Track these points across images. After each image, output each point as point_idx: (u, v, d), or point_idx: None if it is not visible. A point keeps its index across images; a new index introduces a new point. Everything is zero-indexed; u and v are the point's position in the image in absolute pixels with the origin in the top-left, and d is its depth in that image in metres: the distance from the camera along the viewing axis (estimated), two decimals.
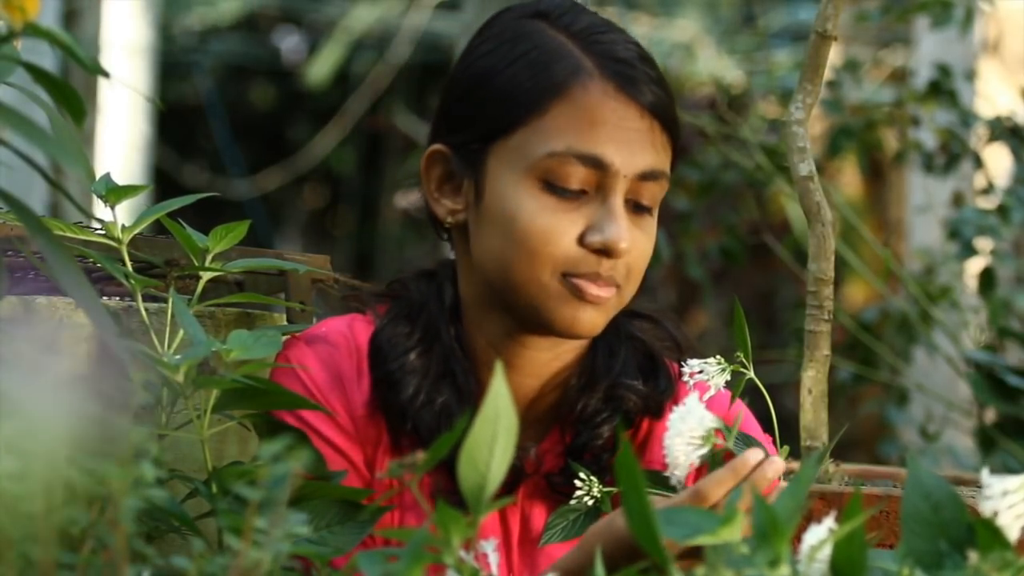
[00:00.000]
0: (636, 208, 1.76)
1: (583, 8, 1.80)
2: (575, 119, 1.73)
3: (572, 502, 1.74)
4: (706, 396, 1.70)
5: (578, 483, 1.74)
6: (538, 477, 1.81)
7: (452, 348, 1.80)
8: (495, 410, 1.31)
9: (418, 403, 1.78)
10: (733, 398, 1.76)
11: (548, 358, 1.81)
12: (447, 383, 1.80)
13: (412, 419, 1.77)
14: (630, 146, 1.74)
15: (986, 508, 1.25)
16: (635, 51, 1.76)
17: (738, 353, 1.73)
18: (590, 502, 1.74)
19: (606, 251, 1.73)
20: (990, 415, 3.34)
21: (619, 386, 1.80)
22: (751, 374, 1.74)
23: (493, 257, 1.76)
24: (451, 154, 1.79)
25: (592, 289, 1.73)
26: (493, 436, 1.31)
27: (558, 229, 1.73)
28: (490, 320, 1.80)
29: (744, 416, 1.80)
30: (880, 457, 4.12)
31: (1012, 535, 1.23)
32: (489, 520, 1.79)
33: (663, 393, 1.82)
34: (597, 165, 1.73)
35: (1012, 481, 1.26)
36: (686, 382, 1.73)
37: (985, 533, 1.22)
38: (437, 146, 1.81)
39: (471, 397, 1.79)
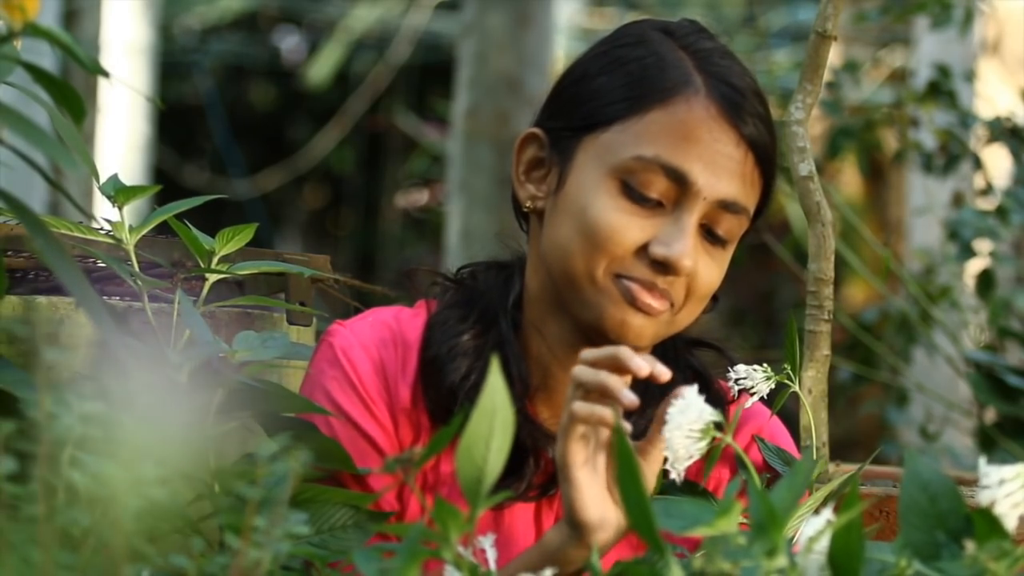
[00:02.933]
0: (710, 235, 1.75)
1: (711, 35, 1.80)
2: (671, 129, 1.72)
3: None
4: (748, 404, 1.70)
5: None
6: None
7: (507, 335, 1.79)
8: (492, 405, 1.31)
9: (468, 385, 1.76)
10: (776, 408, 1.76)
11: None
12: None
13: (461, 401, 1.75)
14: (718, 170, 1.72)
15: (983, 498, 1.25)
16: (749, 83, 1.76)
17: (786, 365, 1.73)
18: None
19: (667, 265, 1.71)
20: (990, 415, 3.34)
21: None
22: (796, 387, 1.74)
23: (559, 246, 1.75)
24: (545, 139, 1.79)
25: (644, 296, 1.72)
26: (490, 431, 1.31)
27: (624, 230, 1.72)
28: (550, 320, 1.79)
29: (778, 428, 1.80)
30: (880, 457, 4.12)
31: (1009, 525, 1.23)
32: (522, 520, 1.79)
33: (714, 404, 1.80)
34: (680, 180, 1.71)
35: (1009, 471, 1.26)
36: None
37: (982, 523, 1.22)
38: (534, 129, 1.81)
39: (520, 387, 1.78)
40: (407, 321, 1.83)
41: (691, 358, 1.83)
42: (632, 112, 1.73)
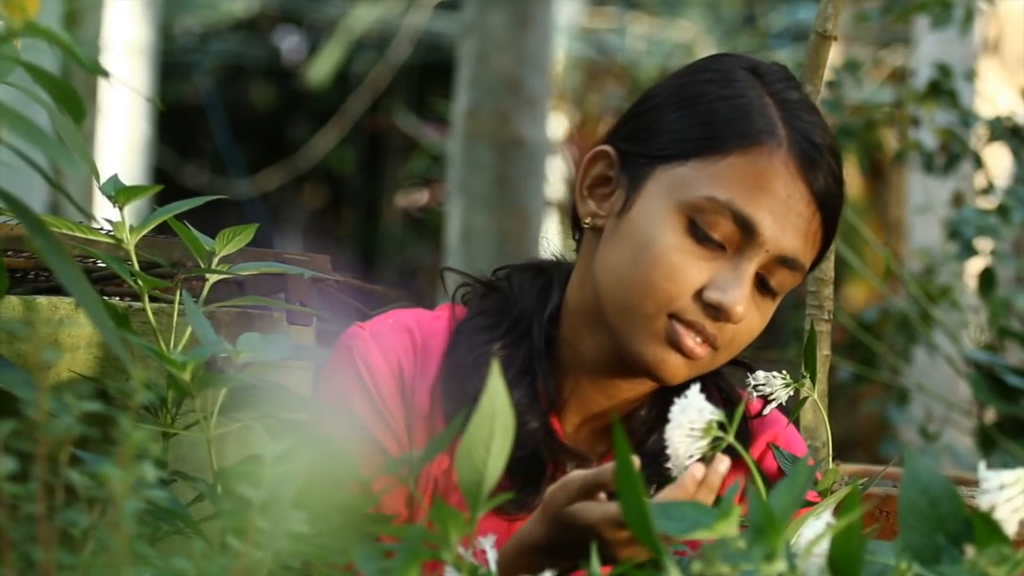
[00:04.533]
0: (762, 286, 1.74)
1: (798, 84, 1.80)
2: (748, 176, 1.71)
3: None
4: (766, 410, 1.70)
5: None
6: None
7: (539, 348, 1.78)
8: (492, 409, 1.31)
9: None
10: (794, 414, 1.75)
11: (627, 386, 1.79)
12: (526, 381, 1.77)
13: None
14: (786, 225, 1.72)
15: (984, 502, 1.25)
16: (828, 141, 1.76)
17: (805, 372, 1.73)
18: None
19: (720, 311, 1.70)
20: (990, 415, 3.34)
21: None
22: (814, 395, 1.74)
23: (614, 271, 1.74)
24: (616, 159, 1.77)
25: (688, 341, 1.71)
26: (490, 434, 1.31)
27: (685, 272, 1.71)
28: (587, 337, 1.78)
29: (793, 436, 1.80)
30: (880, 457, 4.12)
31: (1010, 529, 1.23)
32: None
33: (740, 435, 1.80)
34: (747, 228, 1.71)
35: (1009, 475, 1.26)
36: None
37: (983, 527, 1.22)
38: (606, 147, 1.78)
39: (546, 402, 1.77)
40: (428, 324, 1.81)
41: (716, 374, 1.81)
42: (712, 152, 1.72)
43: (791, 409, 1.75)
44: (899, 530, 1.27)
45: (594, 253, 1.77)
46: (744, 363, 1.82)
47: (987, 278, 3.51)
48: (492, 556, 1.39)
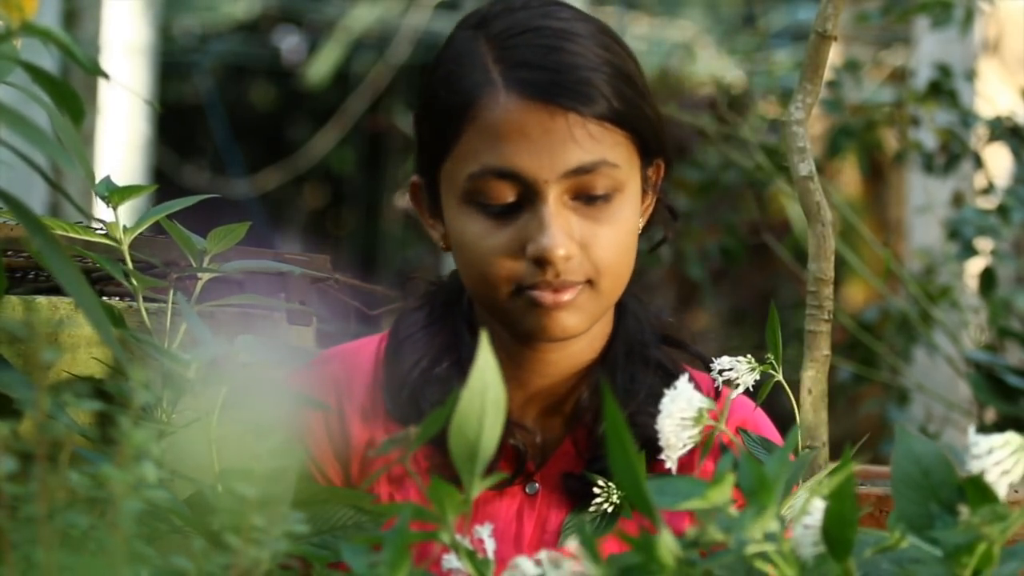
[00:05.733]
0: (588, 200, 1.72)
1: (513, 6, 1.76)
2: (485, 136, 1.70)
3: (591, 508, 1.74)
4: (731, 396, 1.70)
5: (596, 491, 1.75)
6: (556, 481, 1.81)
7: (460, 327, 1.81)
8: (483, 382, 1.31)
9: (418, 370, 1.78)
10: (760, 399, 1.76)
11: (555, 358, 1.81)
12: (448, 355, 1.81)
13: (409, 388, 1.77)
14: (547, 150, 1.70)
15: (973, 467, 1.26)
16: (544, 45, 1.71)
17: (769, 355, 1.73)
18: (609, 508, 1.74)
19: (544, 261, 1.70)
20: (990, 415, 3.34)
21: (641, 414, 1.77)
22: (780, 376, 1.74)
23: (464, 277, 1.78)
24: (422, 183, 1.81)
25: (548, 297, 1.72)
26: (482, 408, 1.31)
27: (499, 248, 1.72)
28: (491, 322, 1.80)
29: (763, 420, 1.81)
30: (880, 457, 4.12)
31: (1000, 492, 1.25)
32: (504, 519, 1.79)
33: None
34: (516, 177, 1.70)
35: (998, 439, 1.27)
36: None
37: (974, 491, 1.23)
38: (413, 177, 1.83)
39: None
40: (353, 352, 1.86)
41: (661, 356, 1.83)
42: (453, 136, 1.73)
43: (760, 392, 1.75)
44: (893, 500, 1.28)
45: None
46: (678, 341, 1.84)
47: (987, 278, 3.51)
48: (490, 545, 1.39)
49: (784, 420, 1.82)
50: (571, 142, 1.69)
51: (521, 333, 1.76)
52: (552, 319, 1.73)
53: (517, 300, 1.73)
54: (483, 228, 1.73)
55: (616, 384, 1.80)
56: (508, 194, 1.71)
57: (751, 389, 1.72)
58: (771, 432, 1.80)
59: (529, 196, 1.71)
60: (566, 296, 1.72)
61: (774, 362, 1.72)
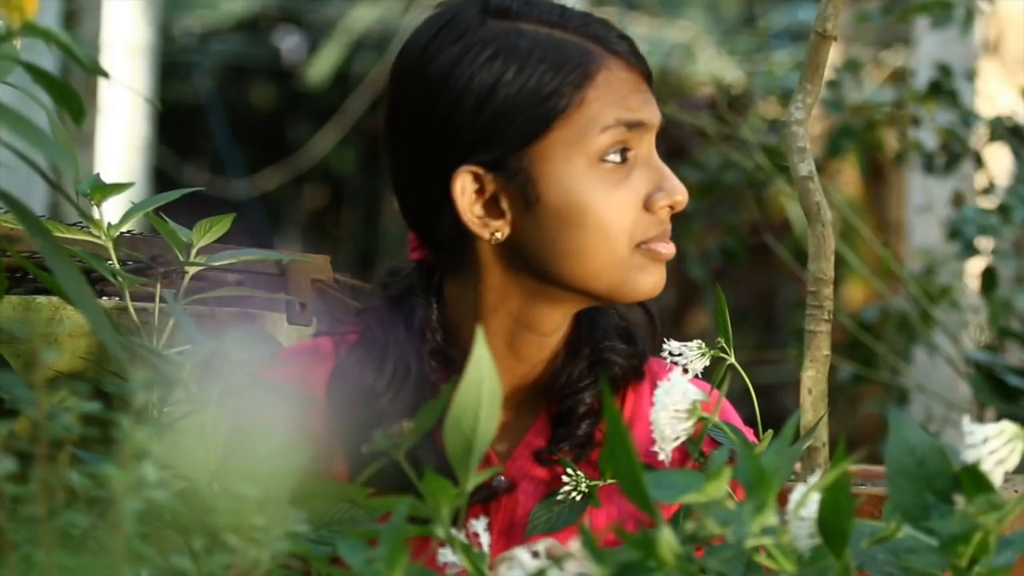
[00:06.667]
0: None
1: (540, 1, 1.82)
2: (609, 95, 1.76)
3: (559, 496, 1.75)
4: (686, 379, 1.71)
5: (565, 478, 1.75)
6: (525, 467, 1.81)
7: (426, 375, 1.78)
8: (478, 375, 1.30)
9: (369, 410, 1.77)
10: (715, 385, 1.76)
11: (551, 341, 1.82)
12: (421, 393, 1.78)
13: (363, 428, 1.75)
14: (649, 105, 1.79)
15: (969, 456, 1.27)
16: (607, 25, 1.81)
17: (719, 339, 1.74)
18: (577, 497, 1.74)
19: (674, 208, 1.77)
20: (990, 415, 3.34)
21: (603, 350, 1.82)
22: (732, 359, 1.74)
23: (563, 253, 1.75)
24: (483, 172, 1.77)
25: (663, 249, 1.77)
26: (477, 401, 1.31)
27: (626, 204, 1.76)
28: (503, 317, 1.80)
29: (724, 405, 1.80)
30: (880, 457, 4.11)
31: (995, 480, 1.25)
32: (471, 510, 1.79)
33: (643, 354, 1.84)
34: (640, 126, 1.76)
35: (993, 428, 1.28)
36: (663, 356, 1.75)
37: (970, 480, 1.23)
38: (464, 169, 1.77)
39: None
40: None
41: (605, 352, 1.84)
42: (571, 102, 1.75)
43: (713, 377, 1.75)
44: (888, 491, 1.28)
45: (509, 262, 1.78)
46: (628, 336, 1.85)
47: (988, 278, 3.51)
48: (485, 540, 1.39)
49: (784, 420, 1.81)
50: (654, 101, 1.80)
51: (626, 295, 1.77)
52: (663, 273, 1.78)
53: (635, 256, 1.76)
54: (608, 183, 1.75)
55: (581, 333, 1.83)
56: (628, 146, 1.76)
57: (700, 375, 1.74)
58: (732, 416, 1.80)
59: (638, 149, 1.77)
60: (673, 248, 1.78)
61: (725, 346, 1.74)
